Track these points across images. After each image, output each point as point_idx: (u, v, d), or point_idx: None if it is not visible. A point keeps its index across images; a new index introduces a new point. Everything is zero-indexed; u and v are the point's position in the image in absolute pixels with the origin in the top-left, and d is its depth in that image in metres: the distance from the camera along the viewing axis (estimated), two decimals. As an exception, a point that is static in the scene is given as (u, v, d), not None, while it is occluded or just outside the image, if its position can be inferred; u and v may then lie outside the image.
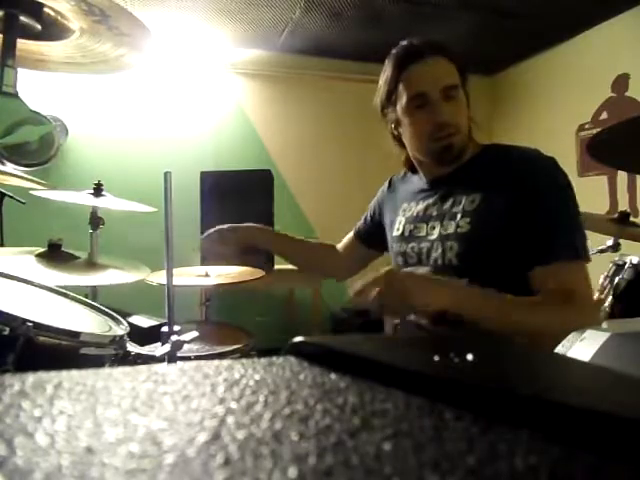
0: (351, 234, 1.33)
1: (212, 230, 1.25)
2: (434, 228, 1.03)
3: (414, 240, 1.07)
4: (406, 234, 1.09)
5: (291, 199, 3.43)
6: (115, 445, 0.17)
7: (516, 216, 0.92)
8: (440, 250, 1.00)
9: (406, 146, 1.09)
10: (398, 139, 1.10)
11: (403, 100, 1.01)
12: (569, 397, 0.21)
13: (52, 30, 0.95)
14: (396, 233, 1.12)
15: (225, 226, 1.25)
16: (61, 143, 2.94)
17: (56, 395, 0.22)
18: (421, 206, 1.08)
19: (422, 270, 1.03)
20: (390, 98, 1.04)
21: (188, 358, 1.39)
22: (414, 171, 1.15)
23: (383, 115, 1.09)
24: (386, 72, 1.04)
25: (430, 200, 1.07)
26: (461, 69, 1.00)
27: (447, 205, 1.02)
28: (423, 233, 1.05)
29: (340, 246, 1.36)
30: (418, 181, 1.13)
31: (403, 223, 1.11)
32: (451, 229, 0.99)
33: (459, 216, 0.98)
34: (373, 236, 1.26)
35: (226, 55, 3.33)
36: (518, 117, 3.64)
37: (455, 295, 0.88)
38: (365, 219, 1.30)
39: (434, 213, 1.04)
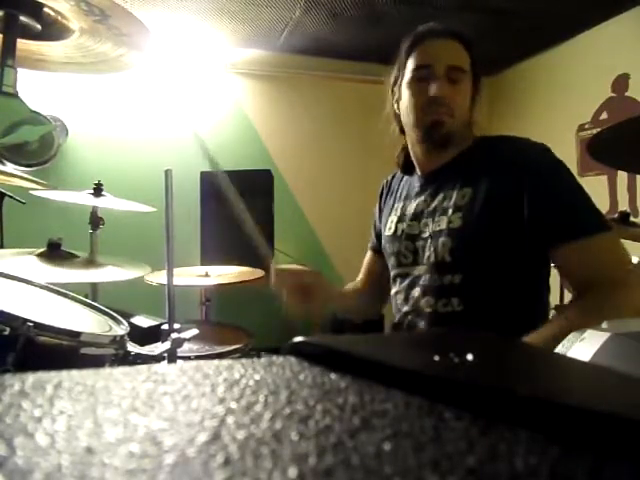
0: (369, 252, 1.29)
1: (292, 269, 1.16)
2: (427, 225, 1.01)
3: (408, 239, 1.05)
4: (398, 233, 1.07)
5: (291, 199, 3.43)
6: (115, 445, 0.17)
7: (511, 208, 0.90)
8: (433, 247, 0.98)
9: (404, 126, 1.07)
10: (399, 120, 1.09)
11: (408, 71, 1.00)
12: (569, 397, 0.21)
13: (52, 30, 0.95)
14: (388, 233, 1.11)
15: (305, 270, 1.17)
16: (61, 143, 2.93)
17: (56, 395, 0.22)
18: (413, 204, 1.07)
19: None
20: (399, 73, 1.04)
21: (188, 358, 1.39)
22: (406, 171, 1.14)
23: (392, 93, 1.09)
24: (402, 48, 1.04)
25: (422, 197, 1.05)
26: (474, 62, 1.00)
27: (438, 201, 1.01)
28: (416, 231, 1.04)
29: (362, 273, 1.29)
30: (412, 180, 1.12)
31: (395, 222, 1.09)
32: (443, 225, 0.97)
33: (450, 211, 0.96)
34: None
35: (226, 55, 3.33)
36: (518, 117, 3.64)
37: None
38: (374, 230, 1.26)
39: (426, 210, 1.03)
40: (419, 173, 1.09)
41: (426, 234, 1.01)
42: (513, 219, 0.91)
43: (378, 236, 1.22)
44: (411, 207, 1.07)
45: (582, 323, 0.80)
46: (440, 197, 1.00)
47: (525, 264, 0.94)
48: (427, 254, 1.00)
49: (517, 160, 0.93)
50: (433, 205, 1.01)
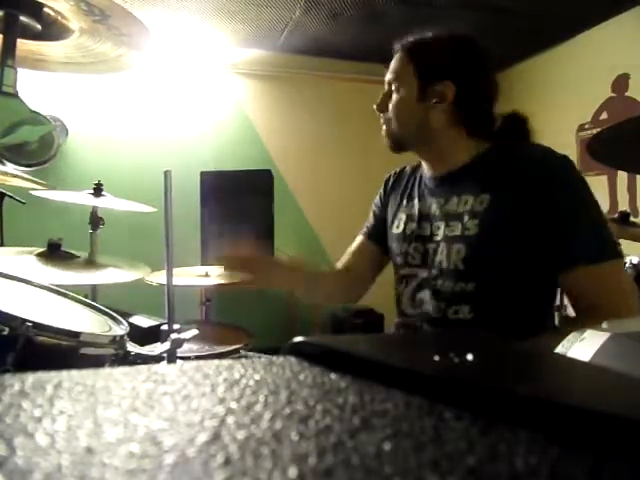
0: (360, 237, 1.23)
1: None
2: (439, 228, 0.99)
3: (417, 240, 1.03)
4: (407, 232, 1.05)
5: (291, 199, 3.43)
6: (115, 445, 0.17)
7: (529, 219, 0.89)
8: (445, 252, 0.96)
9: None
10: None
11: None
12: (569, 397, 0.21)
13: (52, 30, 0.95)
14: (396, 231, 1.08)
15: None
16: (61, 143, 2.94)
17: (56, 395, 0.22)
18: (425, 204, 1.04)
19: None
20: None
21: (188, 358, 1.39)
22: None
23: None
24: None
25: (435, 198, 1.03)
26: (421, 67, 0.99)
27: (452, 204, 0.98)
28: (427, 233, 1.01)
29: (346, 257, 1.22)
30: (422, 179, 1.10)
31: (404, 220, 1.07)
32: (457, 231, 0.95)
33: (466, 217, 0.94)
34: (383, 234, 1.16)
35: (226, 55, 3.33)
36: (518, 117, 3.64)
37: None
38: (373, 216, 1.22)
39: (437, 212, 1.00)
40: (428, 174, 1.07)
41: (438, 237, 0.99)
42: (529, 229, 0.89)
43: (377, 225, 1.19)
44: (423, 207, 1.05)
45: None
46: (455, 200, 0.98)
47: (538, 273, 0.92)
48: (438, 259, 0.98)
49: (540, 172, 0.90)
50: (447, 208, 0.99)
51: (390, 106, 1.03)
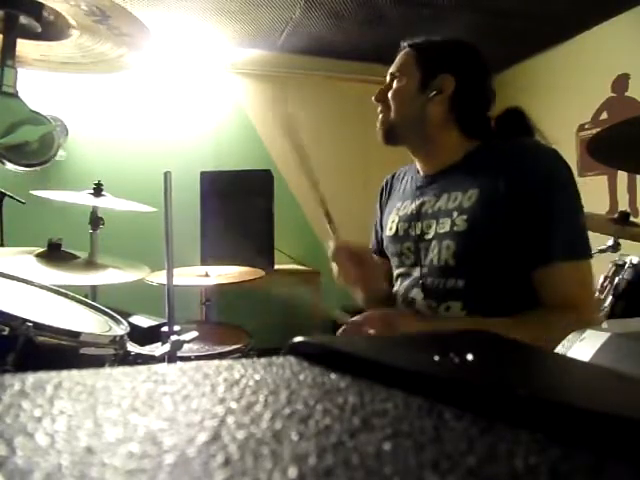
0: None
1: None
2: (430, 227, 1.00)
3: (409, 239, 1.04)
4: (400, 233, 1.06)
5: (291, 199, 3.42)
6: (115, 445, 0.17)
7: (514, 213, 0.89)
8: (437, 250, 0.97)
9: None
10: None
11: None
12: (569, 397, 0.21)
13: (52, 30, 0.95)
14: (389, 233, 1.10)
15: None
16: (61, 143, 2.93)
17: (56, 395, 0.22)
18: (416, 204, 1.05)
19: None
20: None
21: (188, 358, 1.39)
22: None
23: None
24: None
25: (425, 197, 1.04)
26: (423, 62, 1.02)
27: (442, 202, 0.99)
28: (419, 232, 1.02)
29: None
30: (413, 179, 1.11)
31: (397, 222, 1.08)
32: (447, 227, 0.95)
33: (455, 213, 0.95)
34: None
35: (226, 55, 3.33)
36: (518, 117, 3.64)
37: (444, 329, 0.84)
38: (375, 234, 1.25)
39: (429, 211, 1.01)
40: (421, 173, 1.08)
41: (430, 235, 0.99)
42: (515, 223, 0.89)
43: (379, 238, 1.21)
44: (414, 207, 1.05)
45: (525, 331, 0.81)
46: (444, 198, 0.99)
47: (529, 268, 0.91)
48: (430, 256, 0.98)
49: (524, 165, 0.90)
50: (437, 206, 1.00)
51: (390, 94, 1.03)
